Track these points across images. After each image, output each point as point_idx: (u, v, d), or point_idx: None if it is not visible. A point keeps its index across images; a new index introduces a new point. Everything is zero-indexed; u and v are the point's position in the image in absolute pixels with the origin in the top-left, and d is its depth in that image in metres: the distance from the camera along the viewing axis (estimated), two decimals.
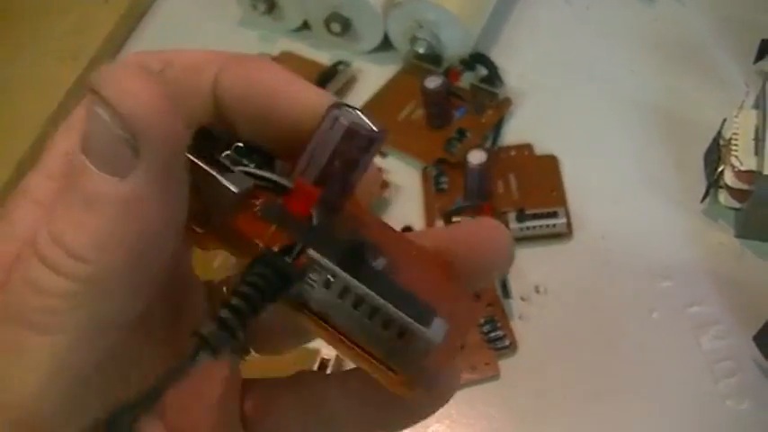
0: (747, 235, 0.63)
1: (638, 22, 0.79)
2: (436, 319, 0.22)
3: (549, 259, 0.64)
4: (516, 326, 0.60)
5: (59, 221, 0.21)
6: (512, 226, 0.63)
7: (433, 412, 0.27)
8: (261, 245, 0.23)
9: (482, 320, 0.60)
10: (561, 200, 0.66)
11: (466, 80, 0.73)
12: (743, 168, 0.60)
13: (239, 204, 0.23)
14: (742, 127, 0.62)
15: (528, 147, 0.70)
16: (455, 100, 0.71)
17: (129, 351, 0.24)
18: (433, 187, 0.67)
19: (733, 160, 0.61)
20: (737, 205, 0.63)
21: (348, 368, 0.28)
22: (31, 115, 0.73)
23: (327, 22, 0.76)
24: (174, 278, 0.26)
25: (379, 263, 0.23)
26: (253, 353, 0.30)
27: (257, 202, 0.23)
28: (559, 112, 0.73)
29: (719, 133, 0.64)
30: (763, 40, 0.71)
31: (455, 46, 0.74)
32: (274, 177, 0.24)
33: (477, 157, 0.63)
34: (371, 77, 0.76)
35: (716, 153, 0.64)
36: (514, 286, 0.62)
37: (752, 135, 0.62)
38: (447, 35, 0.73)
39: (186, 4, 0.86)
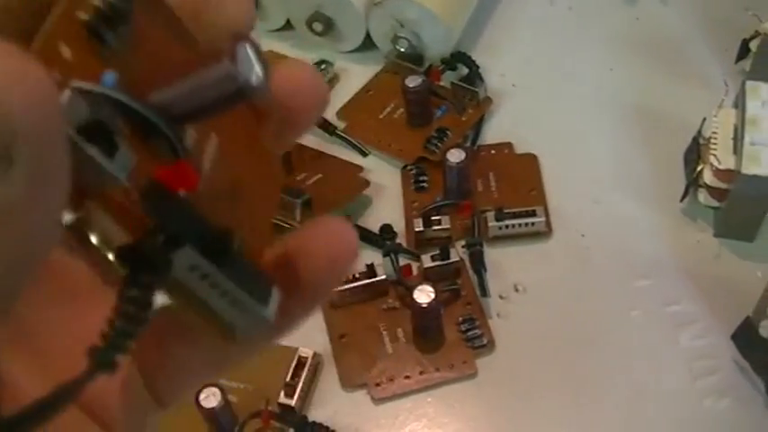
0: (726, 234, 0.63)
1: (621, 21, 0.79)
2: (272, 299, 0.22)
3: (529, 258, 0.64)
4: (494, 324, 0.60)
5: None
6: (491, 224, 0.63)
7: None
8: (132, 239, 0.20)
9: (460, 319, 0.60)
10: (541, 199, 0.66)
11: (447, 79, 0.73)
12: (721, 167, 0.60)
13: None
14: (721, 126, 0.62)
15: (508, 146, 0.70)
16: (436, 99, 0.71)
17: None
18: (413, 186, 0.67)
19: (712, 159, 0.61)
20: (716, 204, 0.63)
21: None
22: None
23: (310, 22, 0.76)
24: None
25: (236, 244, 0.22)
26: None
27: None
28: (540, 111, 0.73)
29: (699, 132, 0.64)
30: (744, 40, 0.71)
31: (436, 45, 0.74)
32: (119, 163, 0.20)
33: (456, 156, 0.63)
34: (354, 77, 0.76)
35: (695, 152, 0.64)
36: (493, 285, 0.62)
37: (731, 134, 0.62)
38: (428, 34, 0.73)
39: None
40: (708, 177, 0.62)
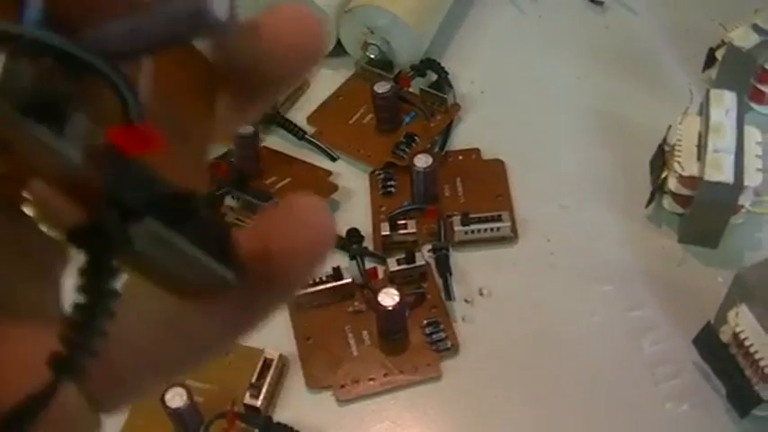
0: (690, 240, 0.64)
1: (590, 29, 0.80)
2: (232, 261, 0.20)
3: (494, 263, 0.64)
4: (459, 328, 0.60)
5: None
6: (457, 229, 0.63)
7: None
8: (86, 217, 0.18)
9: (425, 322, 0.60)
10: (507, 204, 0.66)
11: (416, 86, 0.73)
12: (685, 174, 0.61)
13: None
14: (686, 133, 0.63)
15: (476, 151, 0.70)
16: (405, 105, 0.71)
17: None
18: (381, 190, 0.68)
19: (676, 166, 0.61)
20: (681, 210, 0.64)
21: None
22: None
23: None
24: None
25: (197, 205, 0.19)
26: None
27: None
28: (508, 118, 0.74)
29: (665, 140, 0.65)
30: (710, 49, 0.72)
31: (406, 52, 0.74)
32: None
33: (423, 161, 0.64)
34: (324, 82, 0.76)
35: (660, 159, 0.65)
36: (458, 289, 0.62)
37: (695, 141, 0.62)
38: (398, 41, 0.74)
39: None
40: (672, 184, 0.62)
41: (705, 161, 0.60)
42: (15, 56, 0.16)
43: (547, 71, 0.77)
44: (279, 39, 0.20)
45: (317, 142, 0.71)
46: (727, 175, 0.59)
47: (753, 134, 0.62)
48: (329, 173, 0.68)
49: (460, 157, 0.70)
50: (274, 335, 0.60)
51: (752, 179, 0.59)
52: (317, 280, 0.60)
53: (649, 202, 0.65)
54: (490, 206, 0.65)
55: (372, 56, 0.74)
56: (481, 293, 0.62)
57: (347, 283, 0.61)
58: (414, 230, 0.63)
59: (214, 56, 0.20)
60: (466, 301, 0.62)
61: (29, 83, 0.16)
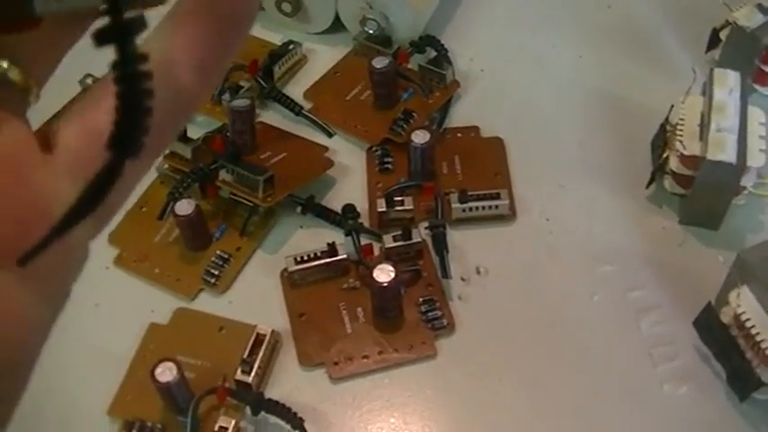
0: (690, 221, 0.63)
1: (592, 8, 0.79)
2: None
3: (492, 241, 0.63)
4: (455, 306, 0.59)
5: None
6: (454, 206, 0.62)
7: None
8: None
9: (420, 300, 0.59)
10: (505, 182, 0.66)
11: (415, 62, 0.72)
12: (687, 153, 0.60)
13: None
14: (688, 113, 0.62)
15: (474, 129, 0.69)
16: (403, 81, 0.70)
17: None
18: (378, 167, 0.67)
19: (678, 145, 0.60)
20: (682, 191, 0.63)
21: None
22: None
23: (279, 3, 0.75)
24: None
25: None
26: None
27: None
28: (508, 95, 0.73)
29: (667, 119, 0.64)
30: (714, 30, 0.71)
31: (405, 28, 0.73)
32: None
33: (420, 137, 0.63)
34: (322, 58, 0.75)
35: (662, 139, 0.64)
36: (455, 267, 0.61)
37: (697, 121, 0.61)
38: (397, 17, 0.73)
39: None
40: (674, 164, 0.61)
41: (707, 140, 0.59)
42: None
43: (548, 49, 0.76)
44: None
45: (314, 118, 0.70)
46: (729, 155, 0.58)
47: (757, 114, 0.61)
48: (325, 148, 0.67)
49: (459, 135, 0.69)
50: (267, 311, 0.59)
51: (755, 160, 0.58)
52: (312, 256, 0.59)
53: (650, 182, 0.64)
54: (488, 184, 0.64)
55: (371, 31, 0.73)
56: (478, 272, 0.61)
57: (342, 260, 0.60)
58: (410, 207, 0.62)
59: None
60: (462, 279, 0.61)
61: None
